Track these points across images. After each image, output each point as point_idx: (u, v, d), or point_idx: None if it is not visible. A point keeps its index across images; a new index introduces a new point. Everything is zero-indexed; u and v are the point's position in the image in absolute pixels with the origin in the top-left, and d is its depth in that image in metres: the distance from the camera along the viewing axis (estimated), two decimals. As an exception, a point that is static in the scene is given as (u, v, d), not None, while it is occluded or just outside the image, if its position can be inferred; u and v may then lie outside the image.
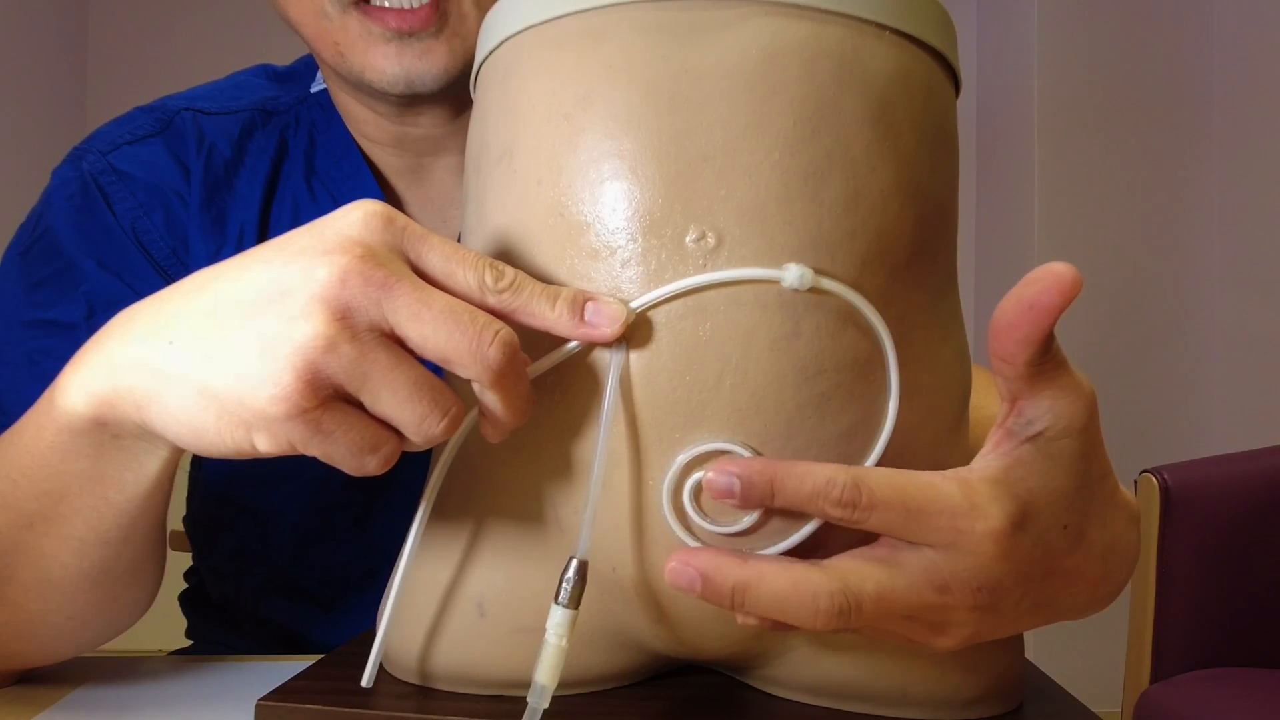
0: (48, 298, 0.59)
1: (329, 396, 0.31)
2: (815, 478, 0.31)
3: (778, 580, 0.31)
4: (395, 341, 0.32)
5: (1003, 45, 2.53)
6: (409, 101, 0.58)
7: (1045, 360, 0.31)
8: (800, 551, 0.34)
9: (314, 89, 0.68)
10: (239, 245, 0.62)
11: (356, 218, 0.33)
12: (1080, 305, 2.32)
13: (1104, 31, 2.38)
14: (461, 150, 0.63)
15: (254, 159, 0.64)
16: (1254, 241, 2.31)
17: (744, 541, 0.34)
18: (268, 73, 0.70)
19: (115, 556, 0.43)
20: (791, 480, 0.32)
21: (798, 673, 0.39)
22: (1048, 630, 2.17)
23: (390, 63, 0.55)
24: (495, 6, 0.39)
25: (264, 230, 0.64)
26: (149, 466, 0.40)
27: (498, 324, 0.32)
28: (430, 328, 0.31)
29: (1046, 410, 0.32)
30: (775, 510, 0.34)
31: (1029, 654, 0.43)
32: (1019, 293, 0.30)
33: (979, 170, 2.61)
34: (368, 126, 0.64)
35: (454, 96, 0.59)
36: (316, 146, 0.66)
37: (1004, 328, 0.30)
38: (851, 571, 0.32)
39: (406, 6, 0.54)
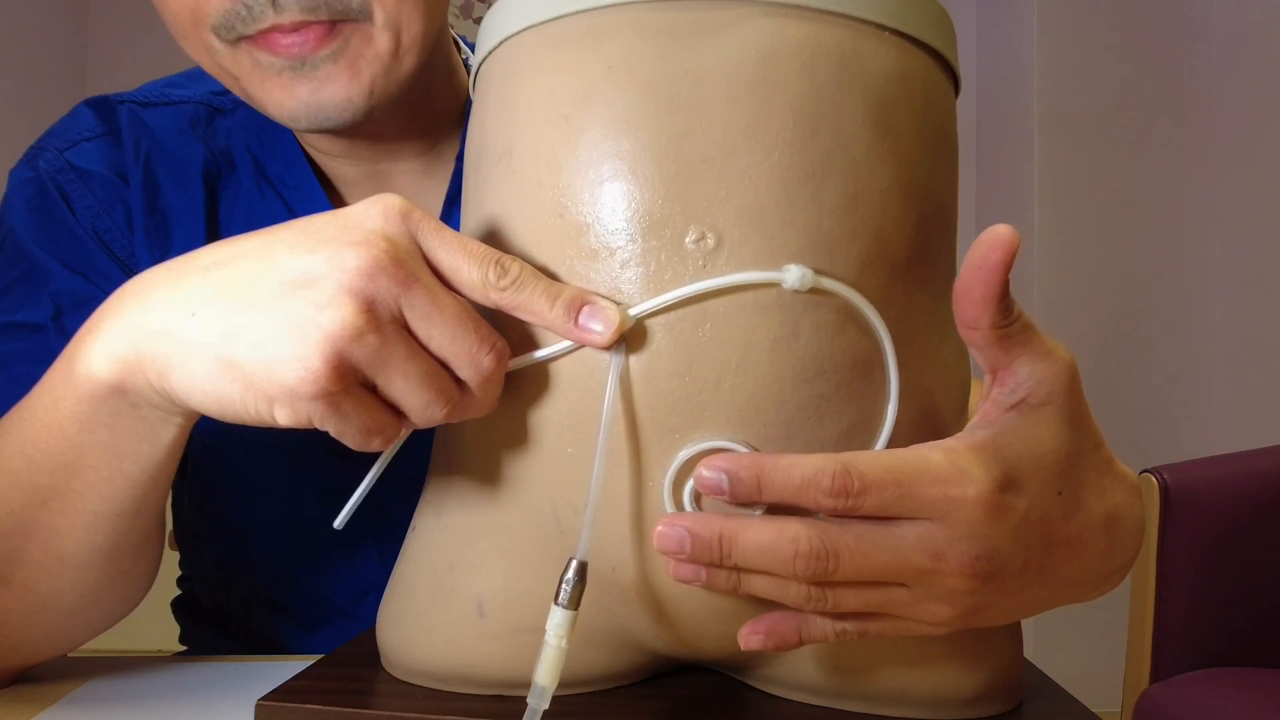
0: (15, 301, 0.58)
1: (352, 382, 0.34)
2: (803, 469, 0.32)
3: (761, 528, 0.32)
4: (409, 332, 0.34)
5: (1003, 45, 2.53)
6: (329, 131, 0.55)
7: (1009, 322, 0.32)
8: None
9: None
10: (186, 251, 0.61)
11: (378, 211, 0.35)
12: (1080, 305, 2.32)
13: (1104, 31, 2.38)
14: (420, 156, 0.63)
15: (193, 159, 0.62)
16: (1254, 241, 2.31)
17: (744, 542, 0.34)
18: None
19: (128, 530, 0.43)
20: (778, 474, 0.32)
21: (798, 673, 0.39)
22: (1048, 630, 2.17)
23: (288, 96, 0.52)
24: (495, 6, 0.39)
25: (213, 237, 0.61)
26: (164, 435, 0.40)
27: (495, 335, 0.35)
28: (438, 329, 0.34)
29: (1026, 377, 0.33)
30: (776, 510, 0.34)
31: (1029, 654, 0.43)
32: (967, 259, 0.32)
33: (979, 170, 2.61)
34: (314, 138, 0.62)
35: (402, 111, 0.56)
36: (266, 149, 0.63)
37: (961, 294, 0.32)
38: (833, 523, 0.32)
39: (291, 21, 0.49)
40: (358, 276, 0.33)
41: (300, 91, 0.51)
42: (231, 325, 0.34)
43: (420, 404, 0.35)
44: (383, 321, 0.33)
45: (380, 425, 0.35)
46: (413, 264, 0.34)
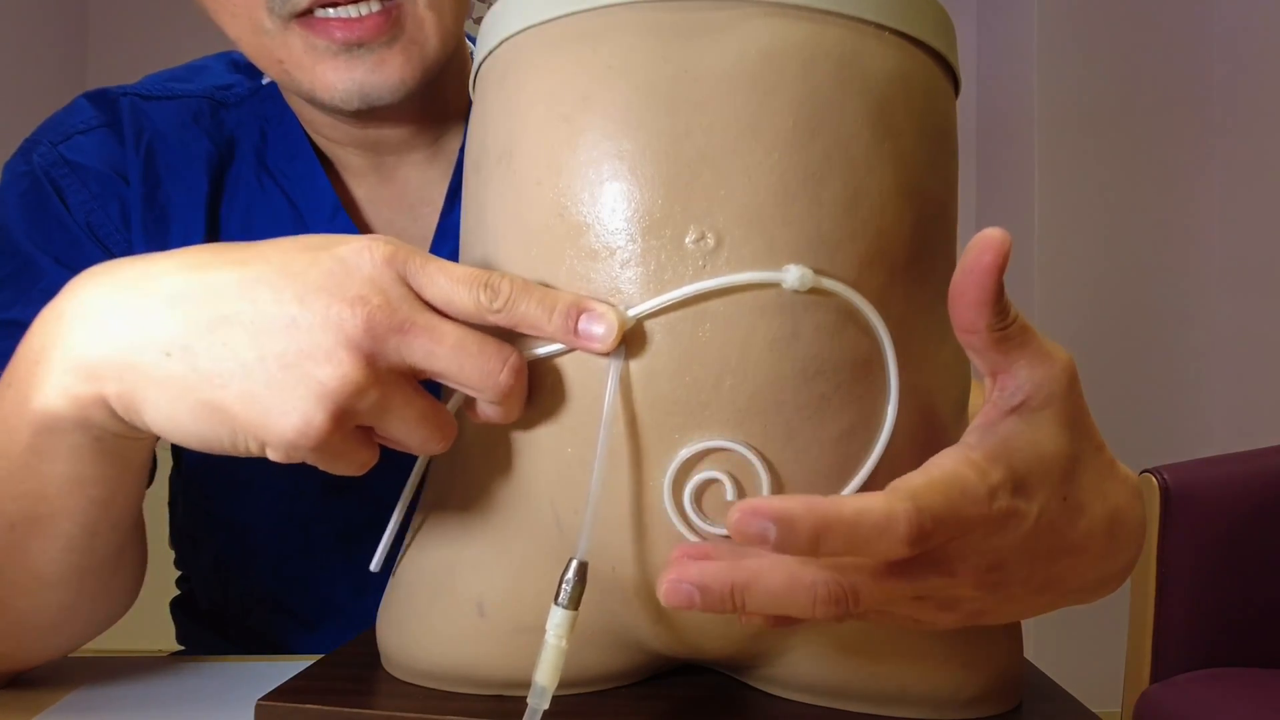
0: (7, 298, 0.57)
1: (350, 429, 0.34)
2: (872, 515, 0.28)
3: (774, 577, 0.30)
4: (407, 375, 0.35)
5: (1003, 45, 2.53)
6: (366, 113, 0.56)
7: (1006, 325, 0.32)
8: None
9: (266, 80, 0.65)
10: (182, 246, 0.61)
11: (365, 261, 0.34)
12: (1080, 305, 2.32)
13: (1104, 32, 2.38)
14: (427, 147, 0.63)
15: (196, 154, 0.62)
16: (1254, 241, 2.31)
17: (744, 542, 0.34)
18: (228, 60, 0.66)
19: (103, 545, 0.43)
20: (842, 523, 0.28)
21: (798, 673, 0.39)
22: (1048, 630, 2.17)
23: (341, 77, 0.53)
24: (495, 6, 0.39)
25: (213, 232, 0.61)
26: (130, 456, 0.40)
27: (506, 350, 0.35)
28: (444, 363, 0.34)
29: (1025, 379, 0.32)
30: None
31: (1029, 654, 0.43)
32: (959, 263, 0.31)
33: (979, 170, 2.61)
34: (325, 128, 0.62)
35: (418, 99, 0.57)
36: (268, 142, 0.63)
37: (955, 298, 0.31)
38: (847, 561, 0.31)
39: (354, 15, 0.51)
40: (355, 333, 0.33)
41: (356, 72, 0.53)
42: (216, 369, 0.33)
43: (418, 441, 0.36)
44: (382, 373, 0.34)
45: (372, 459, 0.36)
46: (406, 309, 0.34)
